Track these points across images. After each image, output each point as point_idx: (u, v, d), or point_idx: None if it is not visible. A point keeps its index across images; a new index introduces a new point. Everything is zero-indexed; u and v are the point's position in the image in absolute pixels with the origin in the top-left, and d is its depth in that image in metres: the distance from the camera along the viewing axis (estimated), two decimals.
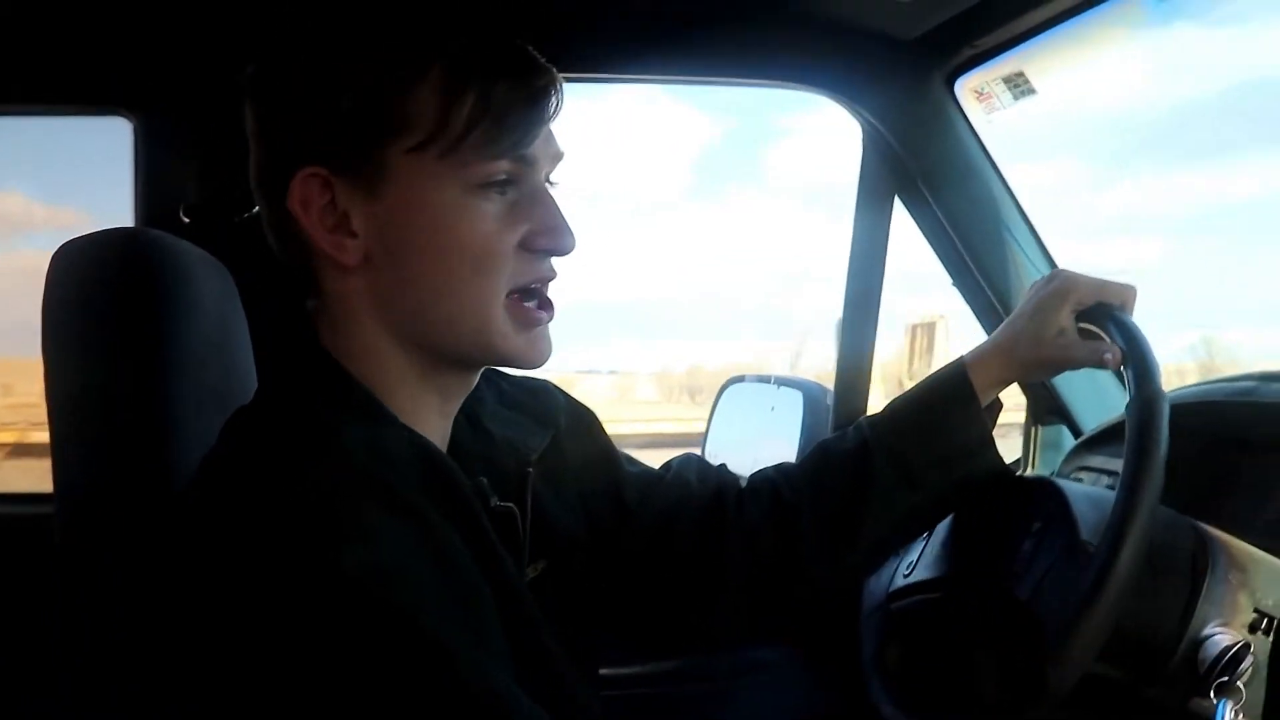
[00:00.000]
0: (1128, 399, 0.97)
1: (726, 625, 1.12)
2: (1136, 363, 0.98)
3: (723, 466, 1.20)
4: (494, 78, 0.82)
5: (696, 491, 1.13)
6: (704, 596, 1.10)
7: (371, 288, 0.86)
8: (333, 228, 0.84)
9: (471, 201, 0.83)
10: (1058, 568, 0.96)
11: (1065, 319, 1.06)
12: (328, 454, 0.77)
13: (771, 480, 1.13)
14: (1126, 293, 1.07)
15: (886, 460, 1.07)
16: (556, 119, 0.87)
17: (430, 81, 0.82)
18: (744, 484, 1.16)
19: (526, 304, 0.88)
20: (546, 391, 1.10)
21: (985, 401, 1.08)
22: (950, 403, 1.07)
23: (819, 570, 1.08)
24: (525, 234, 0.86)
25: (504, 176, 0.84)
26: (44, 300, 0.99)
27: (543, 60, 0.86)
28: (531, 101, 0.84)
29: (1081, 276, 1.07)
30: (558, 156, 0.90)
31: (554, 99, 0.86)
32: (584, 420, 1.12)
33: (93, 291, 0.99)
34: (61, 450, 0.98)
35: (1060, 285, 1.07)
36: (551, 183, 0.90)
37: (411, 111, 0.81)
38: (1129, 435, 0.94)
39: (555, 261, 0.89)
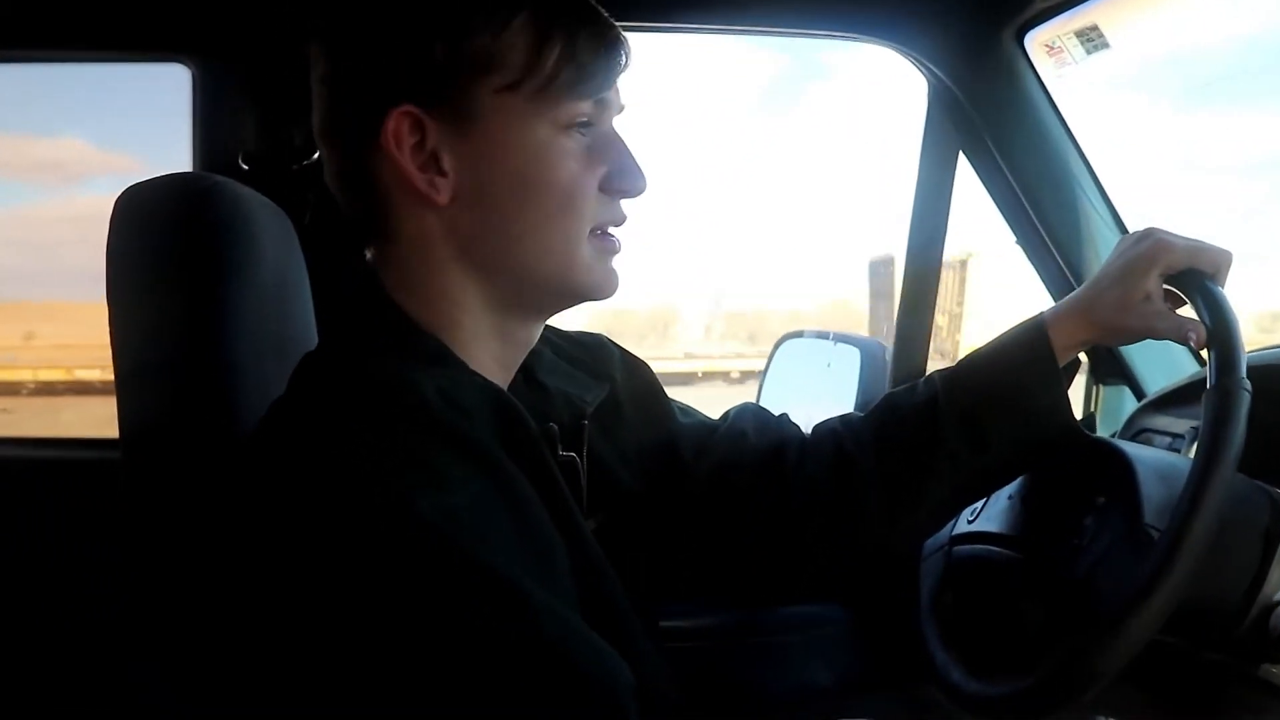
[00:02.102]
0: (1207, 383, 0.92)
1: (783, 579, 1.11)
2: (1221, 348, 0.93)
3: (784, 416, 1.18)
4: (575, 25, 0.85)
5: (753, 444, 1.12)
6: (760, 549, 1.09)
7: (455, 227, 0.87)
8: (421, 167, 0.85)
9: (558, 141, 0.86)
10: (1117, 550, 0.94)
11: (1153, 284, 1.01)
12: (404, 402, 0.77)
13: (835, 432, 1.11)
14: (1221, 258, 1.00)
15: (957, 420, 1.04)
16: (628, 68, 0.89)
17: (519, 24, 0.84)
18: (803, 432, 1.14)
19: (607, 235, 0.90)
20: (600, 345, 1.10)
21: (1062, 363, 1.04)
22: (1027, 364, 1.03)
23: (879, 528, 1.07)
24: (604, 175, 0.88)
25: (586, 119, 0.87)
26: (108, 244, 1.00)
27: (609, 19, 0.89)
28: (610, 48, 0.87)
29: (1175, 239, 1.01)
30: (622, 107, 0.92)
31: (625, 48, 0.89)
32: (638, 373, 1.12)
33: (156, 235, 0.99)
34: (126, 394, 0.99)
35: (1151, 247, 1.01)
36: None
37: (502, 52, 0.84)
38: (1203, 427, 0.91)
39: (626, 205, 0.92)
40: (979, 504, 1.13)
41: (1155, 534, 0.91)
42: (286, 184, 1.33)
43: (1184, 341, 0.99)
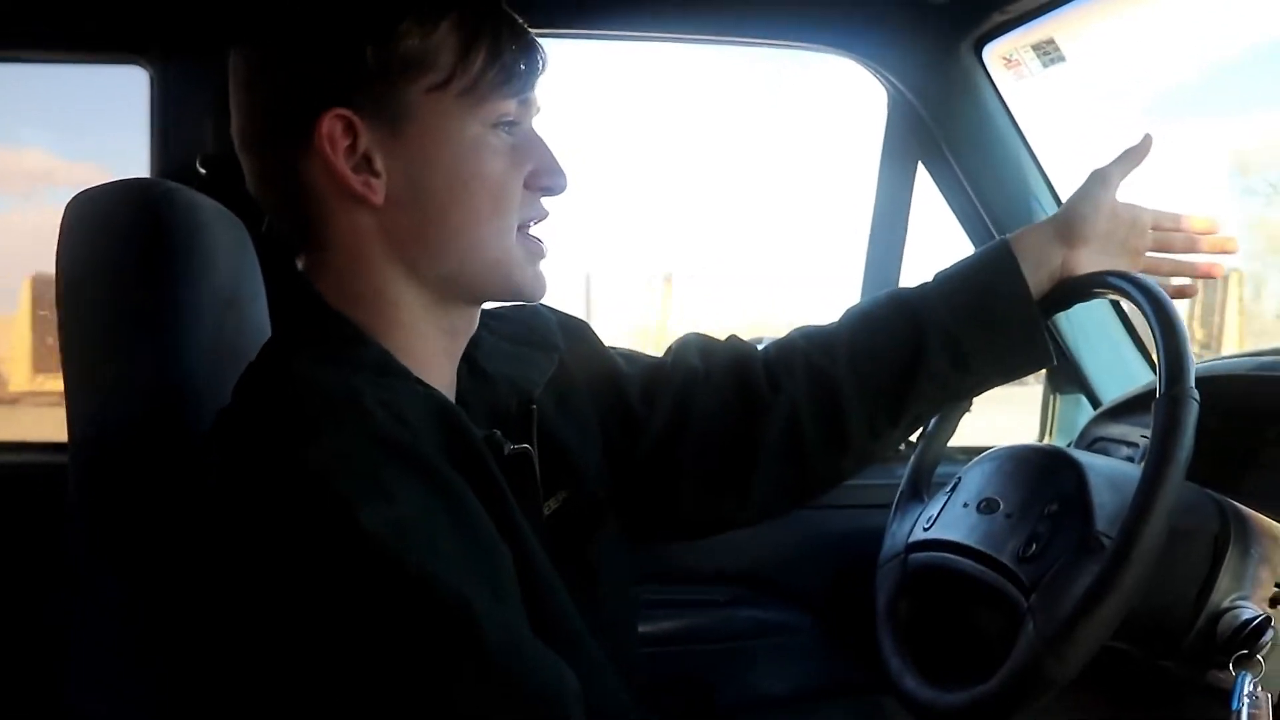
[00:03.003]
0: (1156, 392, 0.94)
1: (763, 505, 1.12)
2: (1170, 355, 0.95)
3: (732, 336, 1.17)
4: (497, 26, 0.87)
5: (702, 374, 1.12)
6: (737, 482, 1.10)
7: (389, 227, 0.87)
8: (354, 168, 0.85)
9: (488, 139, 0.87)
10: (1068, 558, 0.95)
11: (1111, 197, 1.10)
12: (347, 414, 0.76)
13: (802, 350, 1.11)
14: (1145, 143, 1.12)
15: (939, 338, 1.06)
16: (545, 71, 0.92)
17: (448, 25, 0.85)
18: (764, 353, 1.14)
19: (532, 235, 0.92)
20: (537, 314, 1.10)
21: (1033, 283, 1.08)
22: (1000, 283, 1.07)
23: (861, 444, 1.09)
24: (529, 173, 0.90)
25: (512, 118, 0.88)
26: (58, 250, 0.99)
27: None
28: (530, 49, 0.89)
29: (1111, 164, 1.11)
30: (539, 109, 0.94)
31: (544, 52, 0.92)
32: (578, 332, 1.12)
33: (107, 242, 0.98)
34: (75, 401, 0.98)
35: (1096, 172, 1.11)
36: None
37: (432, 53, 0.85)
38: (1153, 436, 0.92)
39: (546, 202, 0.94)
40: (935, 511, 1.14)
41: (1106, 541, 0.92)
42: (245, 189, 1.31)
43: (1145, 222, 1.10)
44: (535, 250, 0.92)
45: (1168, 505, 0.89)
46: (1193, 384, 0.93)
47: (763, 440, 1.09)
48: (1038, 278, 1.08)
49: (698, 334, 1.18)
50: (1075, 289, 1.09)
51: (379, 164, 0.85)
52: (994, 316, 1.07)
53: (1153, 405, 0.94)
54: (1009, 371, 1.09)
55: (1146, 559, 0.88)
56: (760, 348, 1.15)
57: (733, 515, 1.13)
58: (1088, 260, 1.09)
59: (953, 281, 1.10)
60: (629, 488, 1.08)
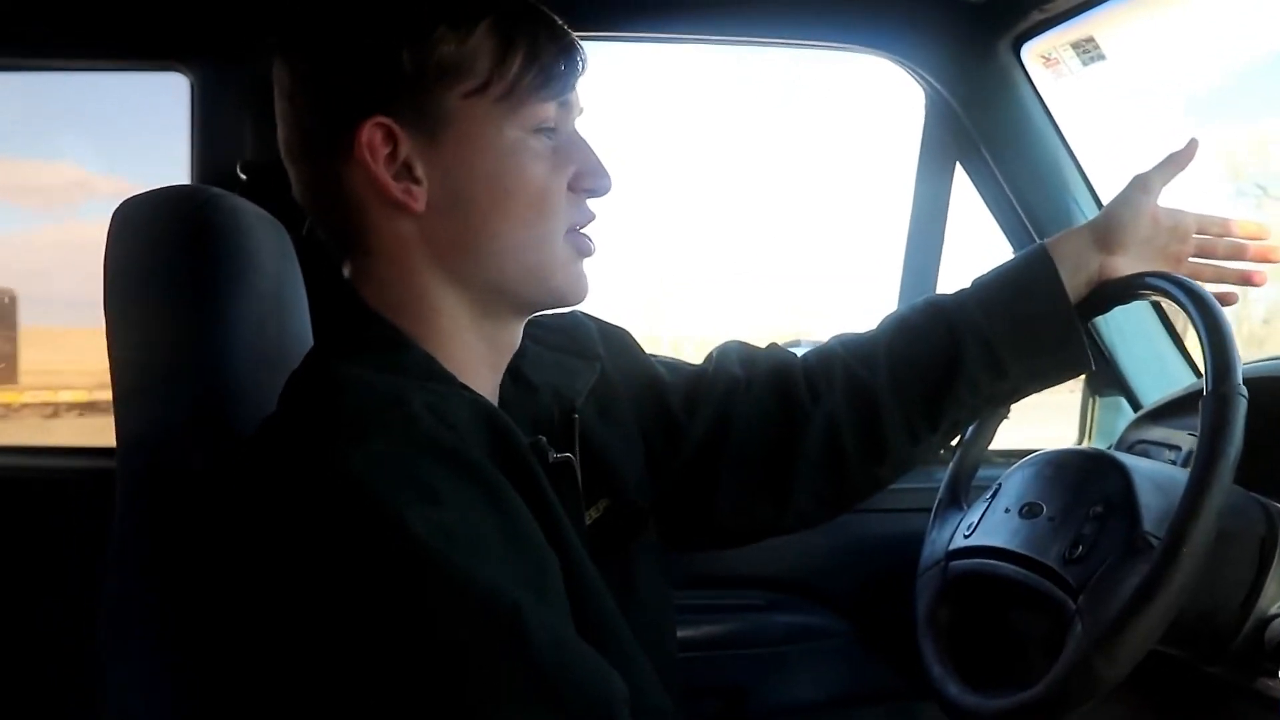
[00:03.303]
0: (1204, 390, 0.93)
1: (800, 513, 1.13)
2: (1216, 353, 0.94)
3: (773, 345, 1.19)
4: (535, 30, 0.87)
5: (743, 382, 1.13)
6: (775, 490, 1.11)
7: (430, 234, 0.87)
8: (395, 176, 0.86)
9: (527, 143, 0.87)
10: (1116, 559, 0.94)
11: (1156, 187, 1.09)
12: (394, 418, 0.76)
13: (842, 359, 1.12)
14: (1190, 149, 1.11)
15: (977, 347, 1.07)
16: (585, 72, 0.92)
17: (484, 30, 0.85)
18: (804, 361, 1.15)
19: (580, 235, 0.92)
20: (578, 323, 1.11)
21: (1070, 286, 1.08)
22: (1037, 288, 1.07)
23: (900, 452, 1.10)
24: (572, 176, 0.90)
25: (551, 122, 0.88)
26: (105, 257, 1.00)
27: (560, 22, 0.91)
28: (569, 51, 0.89)
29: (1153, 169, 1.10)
30: (582, 110, 0.94)
31: (583, 53, 0.91)
32: (620, 341, 1.12)
33: (151, 248, 0.99)
34: (123, 405, 0.99)
35: (1137, 178, 1.10)
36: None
37: (468, 58, 0.85)
38: (1201, 433, 0.91)
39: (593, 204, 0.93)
40: (975, 518, 1.14)
41: (1154, 542, 0.92)
42: (285, 195, 1.32)
43: (1183, 230, 1.09)
44: (582, 249, 0.91)
45: (1218, 504, 0.88)
46: (1240, 381, 0.92)
47: (802, 450, 1.09)
48: (1075, 282, 1.08)
49: (739, 341, 1.19)
50: (1115, 291, 1.08)
51: (419, 171, 0.86)
52: (1031, 323, 1.07)
53: (1200, 403, 0.93)
54: (1046, 377, 1.09)
55: (1196, 558, 0.88)
56: (800, 354, 1.15)
57: (771, 523, 1.13)
58: (1126, 265, 1.08)
59: (990, 288, 1.10)
60: (669, 495, 1.09)
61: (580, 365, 1.04)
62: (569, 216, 0.90)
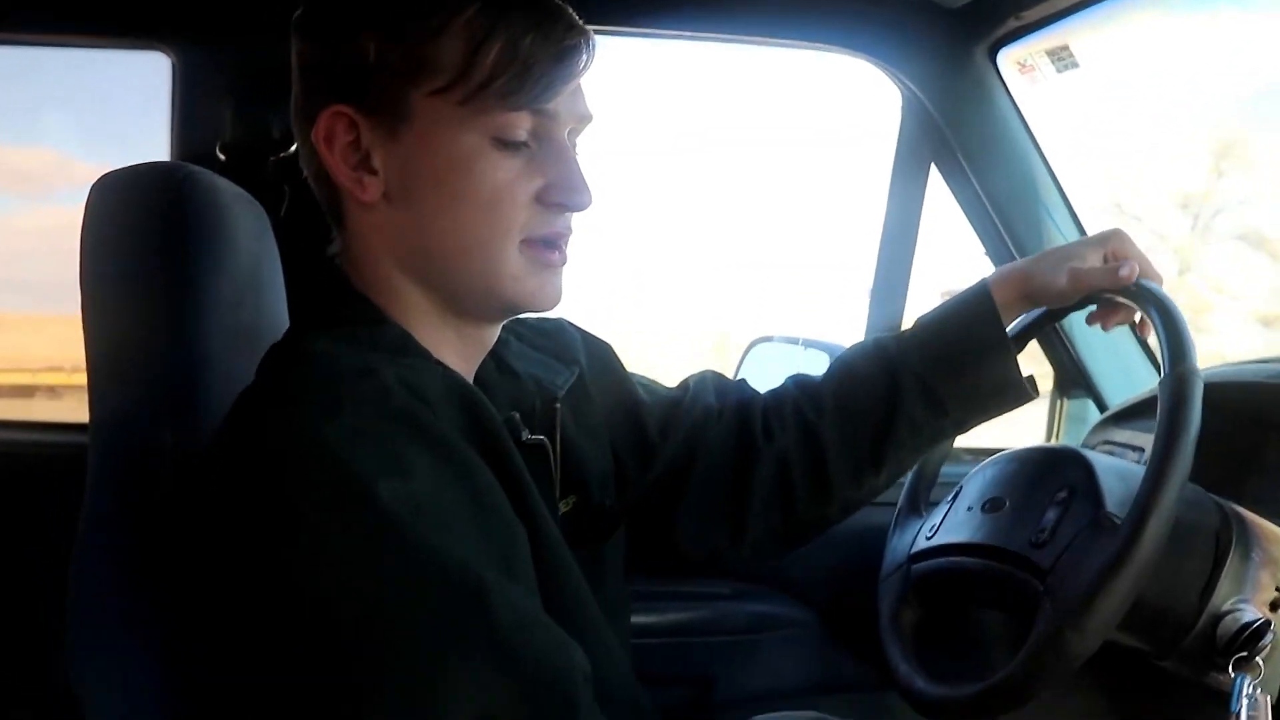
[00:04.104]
0: (1160, 375, 0.96)
1: (754, 546, 1.14)
2: (1171, 338, 0.97)
3: (742, 381, 1.21)
4: (522, 29, 0.83)
5: (716, 413, 1.15)
6: (732, 520, 1.13)
7: (388, 225, 0.87)
8: (355, 165, 0.86)
9: (488, 150, 0.84)
10: (1082, 538, 0.96)
11: (1093, 256, 1.08)
12: (366, 390, 0.77)
13: (794, 400, 1.15)
14: (1159, 276, 1.07)
15: (915, 387, 1.09)
16: (584, 76, 0.88)
17: (458, 26, 0.82)
18: (763, 400, 1.17)
19: (540, 246, 0.88)
20: (563, 330, 1.12)
21: (1008, 318, 1.10)
22: (975, 325, 1.09)
23: (845, 492, 1.12)
24: (541, 187, 0.86)
25: (524, 134, 0.85)
26: (82, 232, 1.00)
27: (575, 18, 0.86)
28: (558, 56, 0.84)
29: (1133, 241, 1.08)
30: (585, 117, 0.90)
31: (583, 56, 0.86)
32: (603, 355, 1.13)
33: (129, 224, 0.99)
34: (97, 380, 0.99)
35: (1107, 234, 1.09)
36: (573, 146, 0.90)
37: (437, 55, 0.82)
38: (1161, 411, 0.94)
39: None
40: (937, 520, 1.15)
41: (1118, 521, 0.94)
42: (263, 175, 1.33)
43: (1117, 283, 1.04)
44: (542, 261, 0.88)
45: (1181, 477, 0.90)
46: (1196, 363, 0.95)
47: (755, 485, 1.12)
48: (1014, 312, 1.11)
49: (714, 372, 1.21)
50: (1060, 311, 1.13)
51: (376, 162, 0.85)
52: (967, 360, 1.09)
53: (1159, 384, 0.96)
54: (987, 411, 1.12)
55: (1160, 533, 0.90)
56: (763, 393, 1.19)
57: (727, 552, 1.15)
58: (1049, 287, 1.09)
59: (930, 327, 1.13)
60: (631, 513, 1.10)
61: (559, 366, 1.05)
62: (528, 227, 0.87)
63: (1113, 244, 1.08)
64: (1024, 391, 1.10)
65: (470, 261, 0.87)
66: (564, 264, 0.90)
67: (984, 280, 1.11)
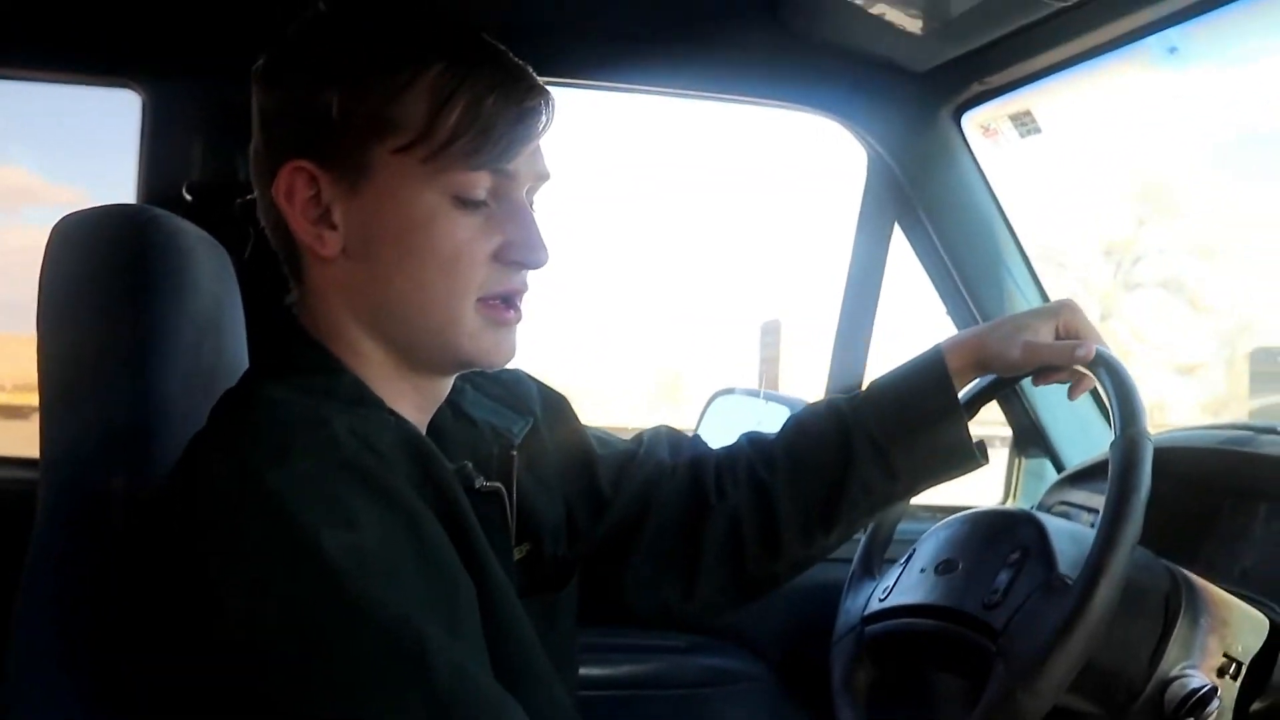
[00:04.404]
0: (1112, 437, 0.97)
1: (704, 602, 1.14)
2: (1122, 401, 0.99)
3: (696, 437, 1.22)
4: (485, 90, 0.84)
5: (669, 468, 1.15)
6: (682, 576, 1.13)
7: (347, 281, 0.87)
8: (315, 220, 0.86)
9: (447, 209, 0.85)
10: (1034, 599, 0.97)
11: (1045, 330, 1.09)
12: (315, 439, 0.77)
13: (748, 457, 1.15)
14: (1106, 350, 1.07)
15: (868, 450, 1.10)
16: (544, 135, 0.89)
17: (421, 86, 0.83)
18: (716, 456, 1.18)
19: (497, 304, 0.89)
20: (519, 381, 1.11)
21: (960, 385, 1.11)
22: (928, 392, 1.10)
23: (795, 551, 1.12)
24: (499, 246, 0.87)
25: (483, 193, 0.86)
26: (41, 271, 1.00)
27: (536, 79, 0.88)
28: (519, 117, 0.85)
29: (1084, 315, 1.10)
30: (542, 176, 0.91)
31: (543, 117, 0.87)
32: (558, 407, 1.13)
33: (89, 266, 0.99)
34: (50, 420, 0.98)
35: (1059, 304, 1.11)
36: (530, 205, 0.91)
37: (400, 114, 0.83)
38: (1112, 473, 0.95)
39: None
40: (890, 581, 1.16)
41: (1070, 583, 0.94)
42: (228, 218, 1.32)
43: (1072, 362, 1.06)
44: (497, 319, 0.88)
45: (1131, 540, 0.91)
46: (1146, 425, 0.96)
47: (707, 542, 1.12)
48: (966, 379, 1.12)
49: (669, 427, 1.22)
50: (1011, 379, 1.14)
51: (336, 217, 0.85)
52: (919, 424, 1.09)
53: (1110, 447, 0.97)
54: (937, 476, 1.12)
55: (1112, 594, 0.90)
56: (716, 449, 1.19)
57: (677, 609, 1.15)
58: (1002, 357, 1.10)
59: (885, 391, 1.13)
60: (582, 565, 1.09)
61: (515, 416, 1.05)
62: (485, 285, 0.87)
63: (1064, 316, 1.09)
64: (973, 458, 1.11)
65: (427, 319, 0.87)
66: (519, 320, 0.91)
67: (937, 347, 1.12)
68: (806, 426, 1.15)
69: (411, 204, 0.84)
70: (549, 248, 0.89)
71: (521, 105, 0.85)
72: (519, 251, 0.87)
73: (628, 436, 1.20)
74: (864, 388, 1.17)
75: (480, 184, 0.85)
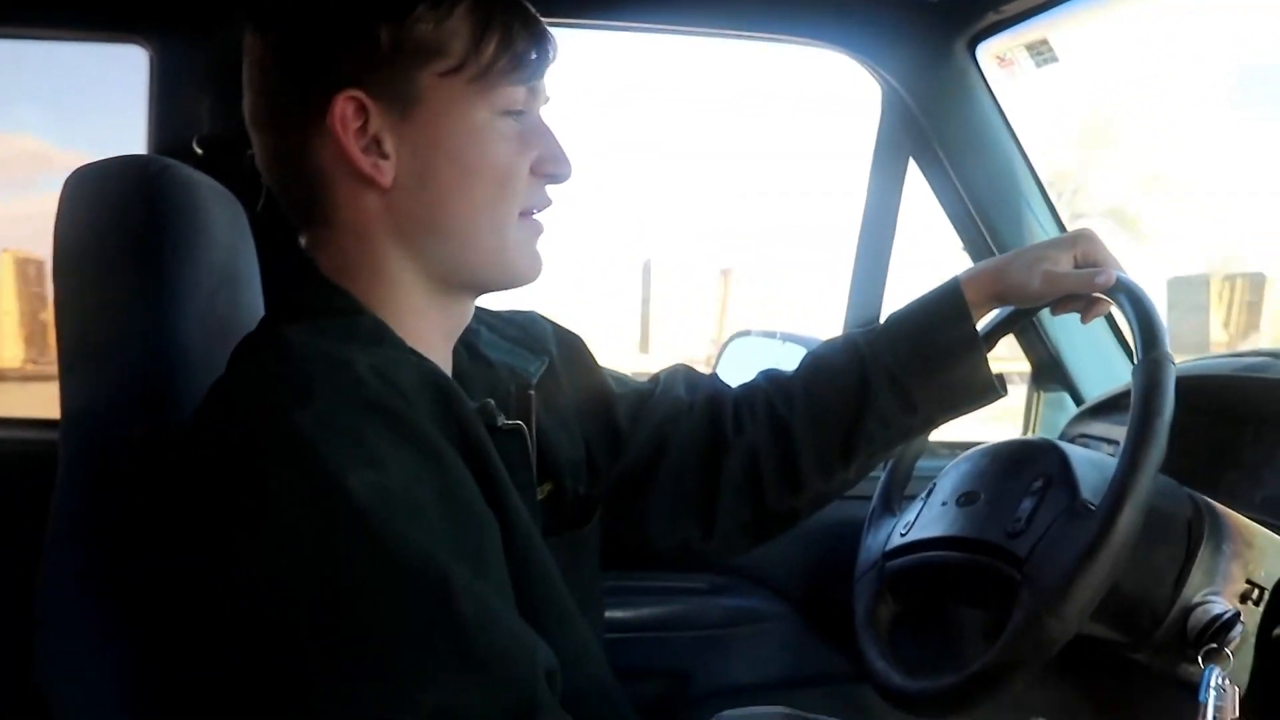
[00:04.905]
0: (1134, 359, 0.97)
1: (725, 539, 1.16)
2: (1143, 325, 0.98)
3: (714, 375, 1.23)
4: (511, 16, 0.89)
5: (686, 405, 1.16)
6: (702, 513, 1.14)
7: (394, 209, 0.89)
8: (364, 150, 0.87)
9: (496, 124, 0.89)
10: (1058, 525, 0.97)
11: (1065, 259, 1.08)
12: (338, 379, 0.78)
13: (765, 392, 1.16)
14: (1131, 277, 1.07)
15: (885, 383, 1.10)
16: (555, 60, 0.94)
17: (460, 14, 0.87)
18: (734, 394, 1.18)
19: (533, 218, 0.94)
20: (533, 321, 1.13)
21: (978, 317, 1.11)
22: (946, 323, 1.10)
23: (815, 486, 1.14)
24: (535, 159, 0.91)
25: (520, 106, 0.90)
26: (55, 225, 1.00)
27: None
28: (542, 39, 0.91)
29: (1102, 242, 1.09)
30: (548, 99, 0.95)
31: (554, 42, 0.93)
32: (573, 346, 1.14)
33: (103, 218, 0.99)
34: (69, 375, 0.99)
35: (1077, 233, 1.10)
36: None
37: (445, 39, 0.86)
38: (1134, 397, 0.94)
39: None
40: (911, 516, 1.16)
41: (1093, 508, 0.94)
42: (240, 170, 1.32)
43: (1093, 288, 1.05)
44: (535, 230, 0.94)
45: (1155, 463, 0.91)
46: (1168, 349, 0.96)
47: (725, 477, 1.13)
48: (984, 311, 1.12)
49: (686, 366, 1.23)
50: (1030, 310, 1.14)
51: (388, 146, 0.87)
52: (937, 356, 1.10)
53: (1132, 371, 0.96)
54: (957, 409, 1.13)
55: (1135, 518, 0.90)
56: (734, 387, 1.20)
57: (696, 545, 1.16)
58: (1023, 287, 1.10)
59: (902, 324, 1.13)
60: (603, 504, 1.10)
61: (530, 355, 1.06)
62: (526, 199, 0.92)
63: (1081, 245, 1.09)
64: (993, 390, 1.11)
65: (479, 235, 0.90)
66: (543, 233, 0.95)
67: (955, 278, 1.12)
68: (824, 361, 1.15)
69: (465, 123, 0.88)
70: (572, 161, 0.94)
71: (539, 27, 0.91)
72: (551, 164, 0.92)
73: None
74: (882, 320, 1.16)
75: (518, 100, 0.90)
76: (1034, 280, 1.08)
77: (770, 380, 1.18)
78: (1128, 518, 0.90)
